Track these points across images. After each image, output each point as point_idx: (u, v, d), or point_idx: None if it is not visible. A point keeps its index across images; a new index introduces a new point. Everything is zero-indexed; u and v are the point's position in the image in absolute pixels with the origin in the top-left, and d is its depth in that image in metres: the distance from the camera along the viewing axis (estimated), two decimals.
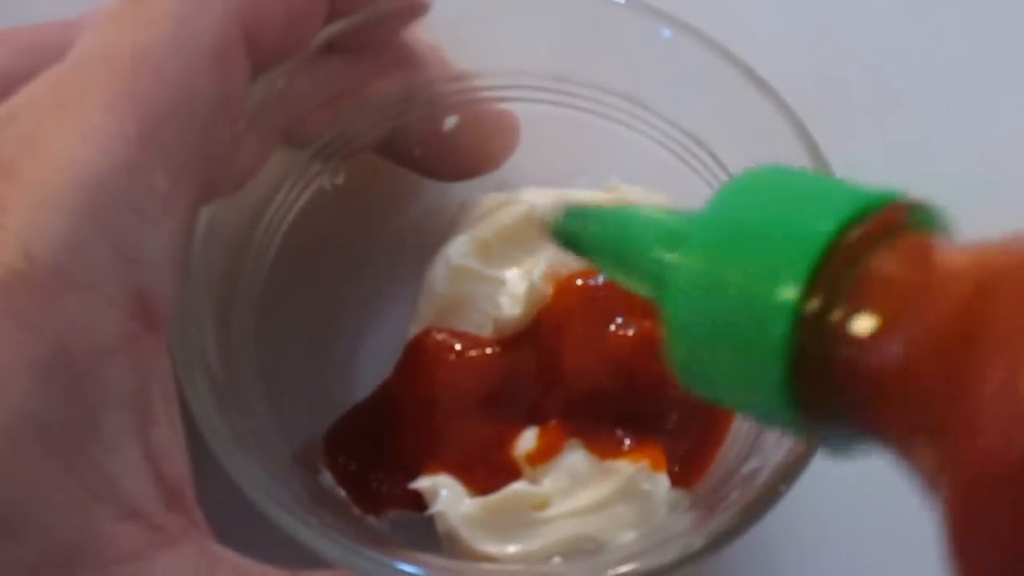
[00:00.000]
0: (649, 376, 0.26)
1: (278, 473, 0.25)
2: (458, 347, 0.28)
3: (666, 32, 0.28)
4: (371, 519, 0.27)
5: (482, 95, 0.30)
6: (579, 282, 0.28)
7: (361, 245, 0.31)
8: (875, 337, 0.17)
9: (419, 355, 0.28)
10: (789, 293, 0.18)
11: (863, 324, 0.18)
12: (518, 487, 0.27)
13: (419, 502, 0.27)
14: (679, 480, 0.27)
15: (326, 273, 0.30)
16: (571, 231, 0.22)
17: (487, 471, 0.27)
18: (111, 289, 0.20)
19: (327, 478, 0.28)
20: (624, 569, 0.24)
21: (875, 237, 0.18)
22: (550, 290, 0.28)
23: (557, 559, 0.26)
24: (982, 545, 0.15)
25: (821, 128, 0.27)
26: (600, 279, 0.28)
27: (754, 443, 0.26)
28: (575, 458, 0.27)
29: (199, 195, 0.22)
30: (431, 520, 0.27)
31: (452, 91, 0.29)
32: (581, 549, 0.26)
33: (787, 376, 0.18)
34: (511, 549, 0.26)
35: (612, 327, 0.27)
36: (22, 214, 0.19)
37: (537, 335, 0.28)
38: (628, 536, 0.26)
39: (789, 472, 0.24)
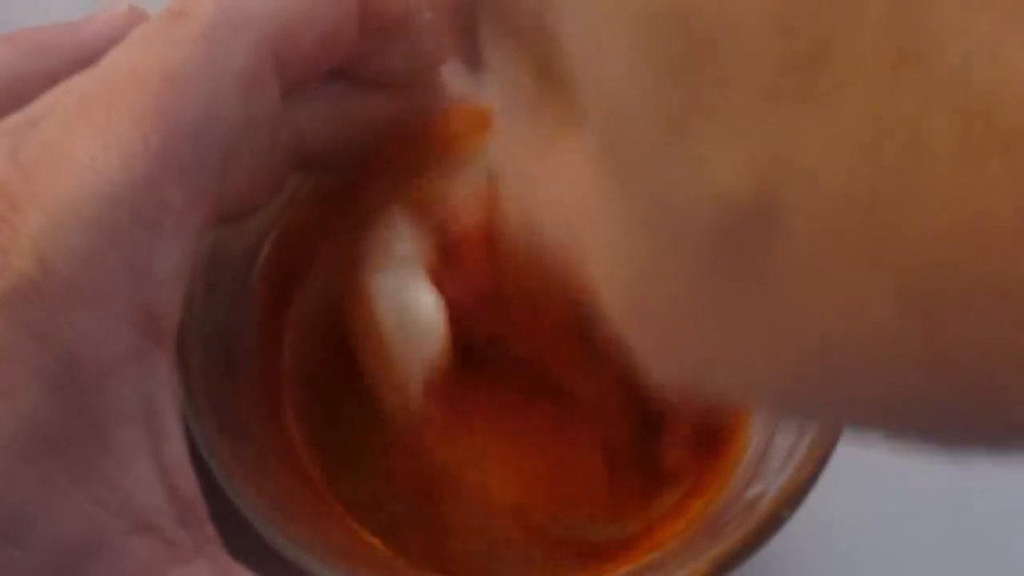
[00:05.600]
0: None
1: (278, 499, 0.25)
2: None
3: None
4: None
5: None
6: None
7: None
8: None
9: None
10: None
11: None
12: None
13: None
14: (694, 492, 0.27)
15: None
16: None
17: None
18: (122, 304, 0.20)
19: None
20: None
21: None
22: None
23: None
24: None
25: None
26: None
27: (757, 468, 0.26)
28: None
29: (212, 216, 0.22)
30: None
31: None
32: None
33: None
34: None
35: None
36: (37, 219, 0.19)
37: None
38: None
39: (792, 498, 0.24)
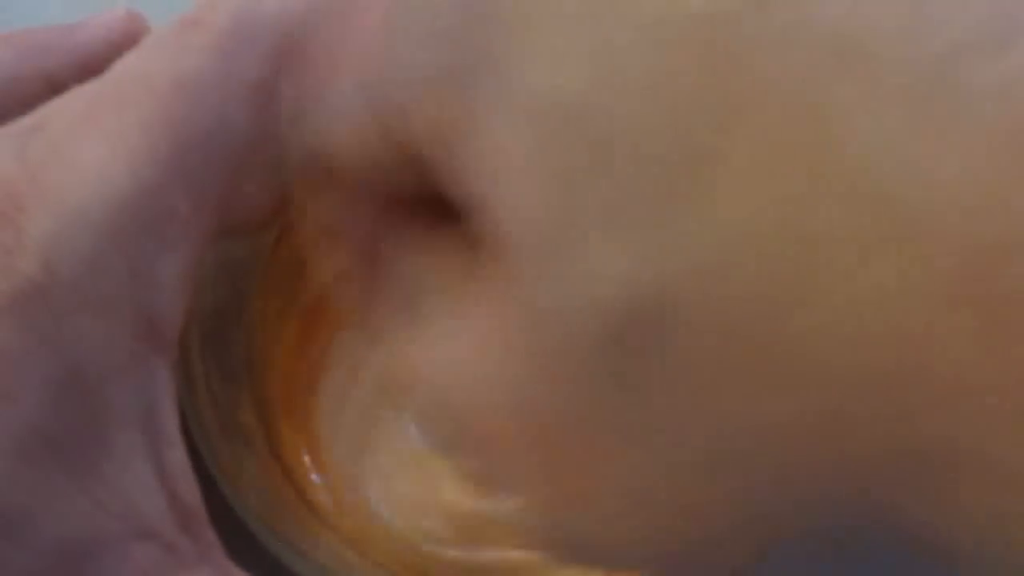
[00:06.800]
0: None
1: (278, 503, 0.25)
2: None
3: None
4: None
5: None
6: None
7: None
8: None
9: None
10: None
11: None
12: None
13: None
14: None
15: None
16: None
17: None
18: (124, 310, 0.20)
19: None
20: None
21: None
22: None
23: None
24: None
25: None
26: None
27: None
28: None
29: (219, 225, 0.22)
30: None
31: None
32: None
33: None
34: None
35: None
36: (43, 221, 0.19)
37: None
38: None
39: None
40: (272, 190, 0.25)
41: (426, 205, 0.19)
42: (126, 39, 0.25)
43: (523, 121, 0.14)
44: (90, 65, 0.24)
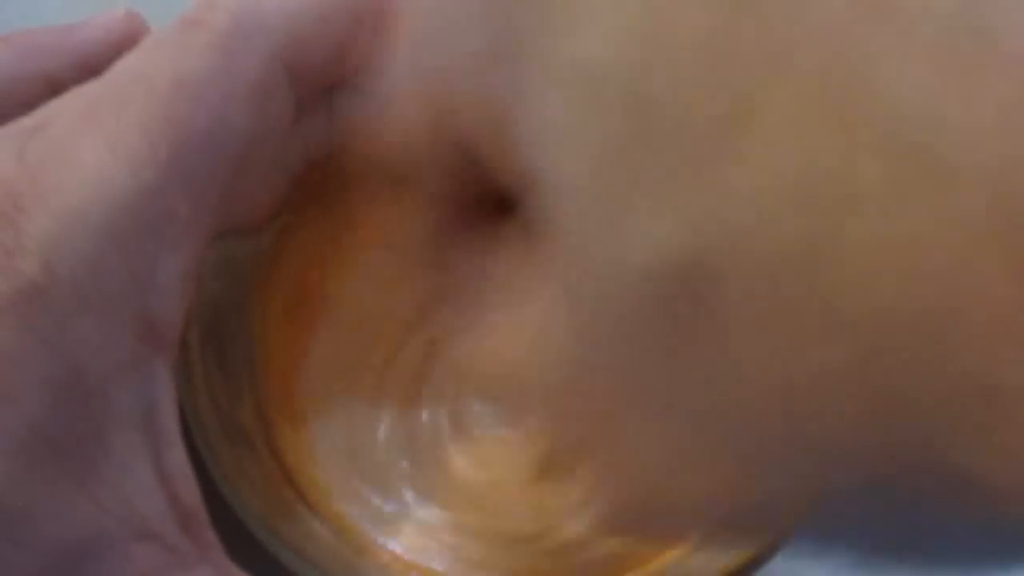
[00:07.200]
0: None
1: (278, 503, 0.25)
2: None
3: None
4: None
5: None
6: None
7: None
8: None
9: None
10: None
11: None
12: None
13: None
14: None
15: None
16: None
17: None
18: (124, 311, 0.20)
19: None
20: None
21: None
22: None
23: None
24: None
25: None
26: None
27: None
28: None
29: (218, 226, 0.22)
30: None
31: None
32: None
33: None
34: None
35: None
36: (43, 222, 0.19)
37: None
38: None
39: None
40: (272, 190, 0.25)
41: (481, 207, 0.19)
42: (126, 39, 0.25)
43: (568, 92, 0.14)
44: (90, 65, 0.24)
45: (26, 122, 0.21)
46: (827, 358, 0.13)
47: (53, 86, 0.24)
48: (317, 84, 0.23)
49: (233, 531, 0.22)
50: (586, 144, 0.14)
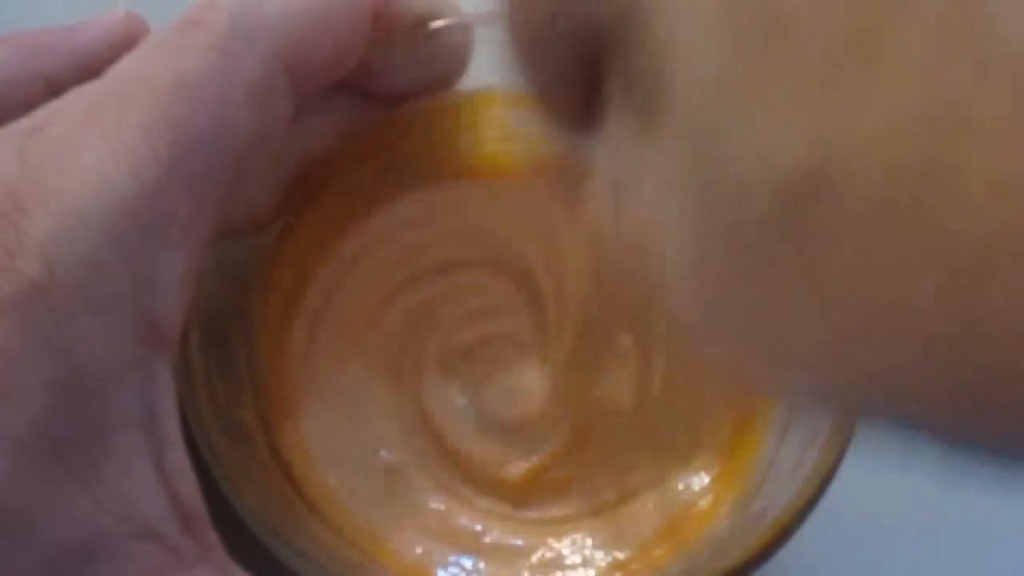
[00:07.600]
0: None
1: (278, 503, 0.25)
2: None
3: None
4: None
5: None
6: None
7: None
8: None
9: None
10: None
11: None
12: None
13: None
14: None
15: None
16: None
17: None
18: (125, 312, 0.20)
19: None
20: None
21: None
22: None
23: None
24: None
25: None
26: None
27: (764, 481, 0.25)
28: None
29: (217, 225, 0.22)
30: None
31: None
32: None
33: None
34: None
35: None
36: (44, 223, 0.19)
37: None
38: None
39: (799, 511, 0.23)
40: (272, 190, 0.25)
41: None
42: (125, 40, 0.25)
43: None
44: (90, 66, 0.24)
45: (26, 123, 0.21)
46: (931, 278, 0.13)
47: (53, 87, 0.24)
48: (317, 84, 0.23)
49: (233, 531, 0.22)
50: (720, 45, 0.14)
